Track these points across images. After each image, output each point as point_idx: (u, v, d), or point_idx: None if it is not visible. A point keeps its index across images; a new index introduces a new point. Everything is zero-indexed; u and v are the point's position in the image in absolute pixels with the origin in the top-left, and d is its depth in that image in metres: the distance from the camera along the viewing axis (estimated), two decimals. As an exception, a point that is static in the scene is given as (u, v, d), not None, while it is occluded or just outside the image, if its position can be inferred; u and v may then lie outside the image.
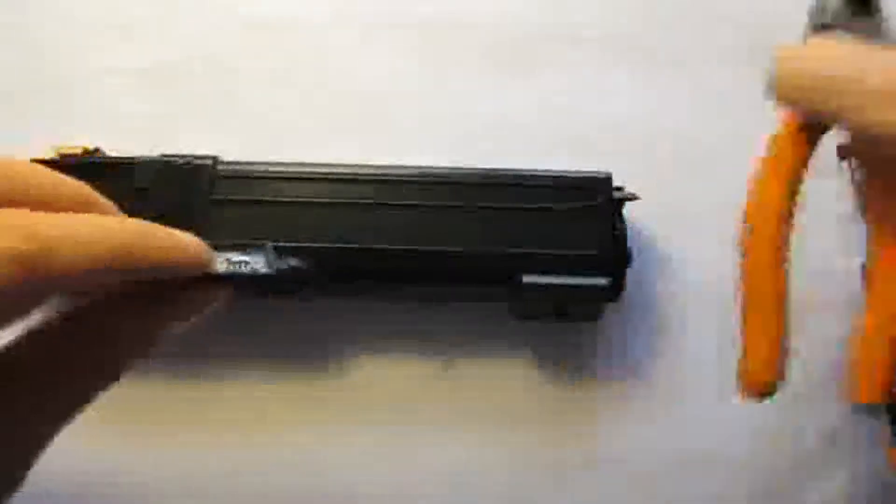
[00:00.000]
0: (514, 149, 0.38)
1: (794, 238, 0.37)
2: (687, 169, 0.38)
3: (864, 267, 0.37)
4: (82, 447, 0.34)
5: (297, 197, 0.33)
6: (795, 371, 0.36)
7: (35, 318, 0.21)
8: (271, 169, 0.33)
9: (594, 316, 0.35)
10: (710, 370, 0.36)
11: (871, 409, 0.27)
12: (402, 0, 0.41)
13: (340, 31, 0.40)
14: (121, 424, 0.35)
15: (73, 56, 0.40)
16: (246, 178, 0.33)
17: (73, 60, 0.40)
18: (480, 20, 0.41)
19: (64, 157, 0.33)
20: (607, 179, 0.34)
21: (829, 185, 0.38)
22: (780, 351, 0.26)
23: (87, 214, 0.21)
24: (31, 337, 0.21)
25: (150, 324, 0.23)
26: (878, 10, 0.26)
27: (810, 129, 0.27)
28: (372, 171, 0.33)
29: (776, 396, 0.34)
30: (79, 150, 0.33)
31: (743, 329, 0.26)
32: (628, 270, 0.33)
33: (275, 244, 0.31)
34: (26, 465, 0.20)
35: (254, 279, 0.27)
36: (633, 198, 0.33)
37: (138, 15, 0.40)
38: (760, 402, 0.26)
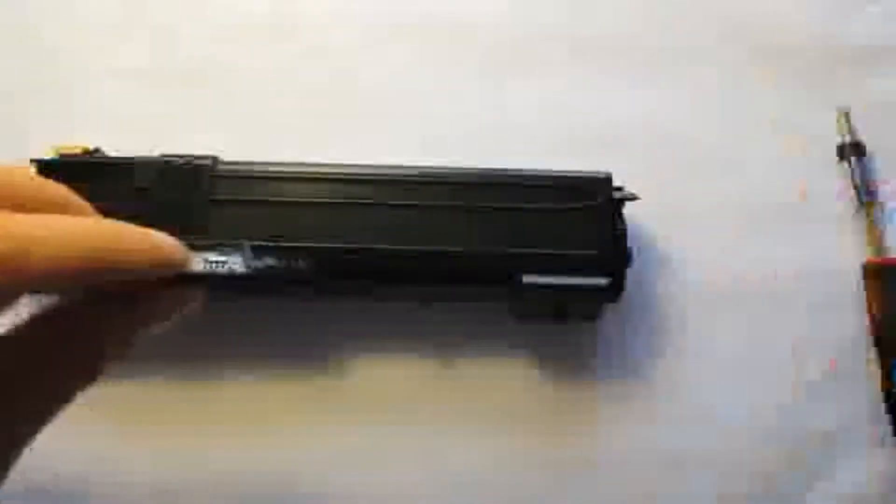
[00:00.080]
0: (514, 149, 0.38)
1: (794, 238, 0.38)
2: (687, 169, 0.38)
3: (864, 267, 0.37)
4: (82, 447, 0.34)
5: (297, 197, 0.33)
6: (795, 371, 0.36)
7: (10, 318, 0.21)
8: (271, 169, 0.33)
9: (594, 316, 0.35)
10: (709, 370, 0.36)
11: None
12: (402, 0, 0.41)
13: (340, 31, 0.40)
14: (121, 424, 0.35)
15: (73, 56, 0.40)
16: (246, 178, 0.33)
17: (73, 60, 0.40)
18: (480, 20, 0.41)
19: (64, 157, 0.33)
20: (607, 179, 0.34)
21: (829, 185, 0.39)
22: None
23: (62, 215, 0.21)
24: (7, 338, 0.21)
25: (127, 324, 0.23)
26: None
27: None
28: (372, 171, 0.33)
29: (776, 396, 0.34)
30: (79, 150, 0.33)
31: None
32: (628, 270, 0.33)
33: (276, 244, 0.31)
34: (5, 465, 0.20)
35: (231, 278, 0.27)
36: (633, 198, 0.33)
37: (138, 15, 0.40)
38: None
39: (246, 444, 0.35)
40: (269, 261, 0.29)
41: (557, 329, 0.36)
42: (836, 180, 0.39)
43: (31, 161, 0.32)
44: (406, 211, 0.33)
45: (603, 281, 0.32)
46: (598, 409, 0.36)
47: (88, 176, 0.32)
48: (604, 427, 0.35)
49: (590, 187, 0.33)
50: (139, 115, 0.39)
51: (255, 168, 0.33)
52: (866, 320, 0.36)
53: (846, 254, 0.37)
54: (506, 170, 0.34)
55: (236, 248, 0.28)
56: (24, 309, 0.21)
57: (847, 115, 0.39)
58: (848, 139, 0.38)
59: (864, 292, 0.36)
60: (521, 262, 0.32)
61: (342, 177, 0.33)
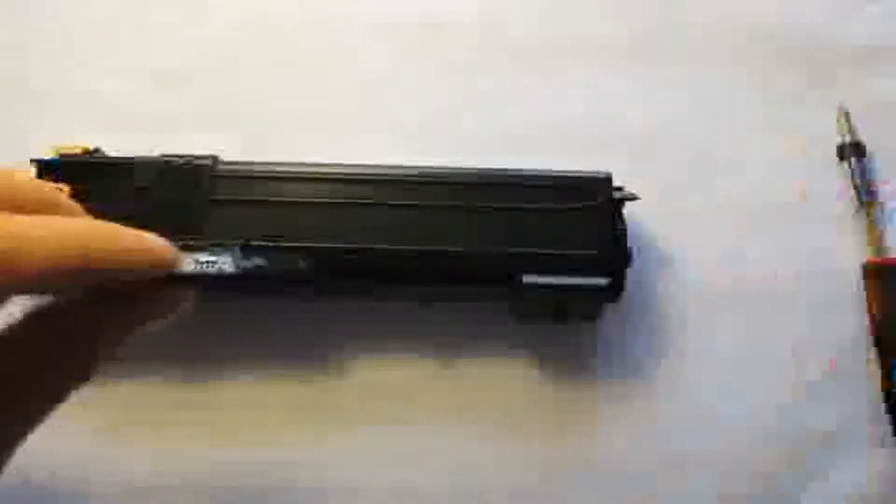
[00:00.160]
0: (514, 149, 0.38)
1: (794, 238, 0.38)
2: (687, 169, 0.38)
3: (864, 267, 0.37)
4: (82, 447, 0.34)
5: (296, 197, 0.33)
6: (795, 371, 0.36)
7: (3, 318, 0.21)
8: (271, 169, 0.33)
9: (594, 316, 0.35)
10: (709, 370, 0.36)
11: None
12: (402, 0, 0.41)
13: (340, 31, 0.40)
14: (120, 424, 0.35)
15: (74, 56, 0.40)
16: (246, 178, 0.33)
17: (74, 61, 0.40)
18: (481, 20, 0.41)
19: (64, 157, 0.33)
20: (607, 179, 0.34)
21: (829, 185, 0.39)
22: None
23: (54, 216, 0.21)
24: (1, 338, 0.21)
25: (120, 324, 0.23)
26: None
27: None
28: (372, 171, 0.33)
29: (776, 396, 0.34)
30: (79, 150, 0.33)
31: None
32: (628, 270, 0.33)
33: (276, 244, 0.31)
34: None
35: (221, 279, 0.28)
36: (633, 198, 0.33)
37: (138, 16, 0.40)
38: None
39: (246, 444, 0.35)
40: (259, 261, 0.29)
41: (557, 329, 0.36)
42: (836, 180, 0.39)
43: (32, 161, 0.32)
44: (406, 211, 0.33)
45: (603, 281, 0.32)
46: (598, 409, 0.35)
47: (88, 176, 0.32)
48: (604, 427, 0.35)
49: (590, 187, 0.33)
50: (139, 115, 0.39)
51: (255, 168, 0.33)
52: (866, 320, 0.36)
53: (846, 254, 0.37)
54: (506, 170, 0.34)
55: (226, 249, 0.28)
56: (16, 308, 0.21)
57: (847, 115, 0.39)
58: (848, 139, 0.38)
59: (864, 292, 0.36)
60: (521, 262, 0.32)
61: (342, 177, 0.33)
